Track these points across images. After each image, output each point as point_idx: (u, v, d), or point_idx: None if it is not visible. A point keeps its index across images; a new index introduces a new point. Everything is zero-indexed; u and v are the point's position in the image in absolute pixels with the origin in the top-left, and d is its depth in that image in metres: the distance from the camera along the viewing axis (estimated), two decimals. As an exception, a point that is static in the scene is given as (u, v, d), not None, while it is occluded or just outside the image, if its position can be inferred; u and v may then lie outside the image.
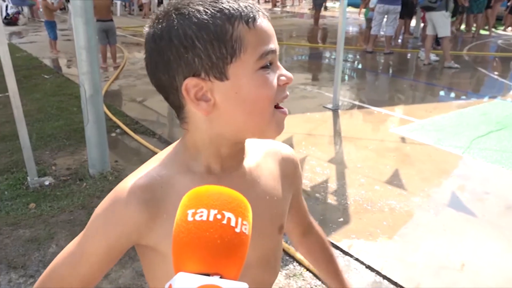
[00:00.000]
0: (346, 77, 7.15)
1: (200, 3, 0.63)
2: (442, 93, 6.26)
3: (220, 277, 0.48)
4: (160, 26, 0.64)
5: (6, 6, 12.73)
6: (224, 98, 0.65)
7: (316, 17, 13.37)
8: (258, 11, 0.66)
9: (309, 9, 20.34)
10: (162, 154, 0.75)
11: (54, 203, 3.03)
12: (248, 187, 0.72)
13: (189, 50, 0.62)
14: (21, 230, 2.72)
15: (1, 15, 12.21)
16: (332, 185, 3.36)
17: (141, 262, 0.77)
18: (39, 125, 4.50)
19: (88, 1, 3.11)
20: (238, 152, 0.75)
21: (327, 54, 9.47)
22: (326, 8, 17.36)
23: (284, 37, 11.32)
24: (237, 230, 0.49)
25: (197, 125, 0.69)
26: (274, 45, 0.66)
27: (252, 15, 0.64)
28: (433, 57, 7.92)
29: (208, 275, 0.47)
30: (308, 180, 3.42)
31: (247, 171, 0.76)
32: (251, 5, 0.66)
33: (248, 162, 0.76)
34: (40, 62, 7.85)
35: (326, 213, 3.00)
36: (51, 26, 8.35)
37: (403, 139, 4.34)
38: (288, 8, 21.18)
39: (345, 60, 8.31)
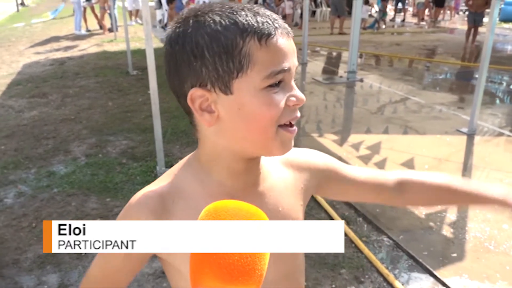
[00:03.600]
0: (493, 100, 6.40)
1: (219, 12, 0.63)
2: None
3: None
4: (177, 30, 0.65)
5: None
6: (227, 112, 0.64)
7: (468, 33, 12.23)
8: (277, 28, 0.63)
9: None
10: (175, 168, 0.75)
11: (173, 193, 3.34)
12: (261, 201, 0.71)
13: (198, 59, 0.62)
14: (143, 212, 3.06)
15: (163, 21, 13.87)
16: (451, 216, 3.05)
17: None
18: (175, 121, 5.00)
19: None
20: (253, 167, 0.72)
21: (474, 74, 8.60)
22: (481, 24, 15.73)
23: (425, 53, 10.63)
24: None
25: (206, 135, 0.69)
26: (288, 64, 0.63)
27: (267, 32, 0.62)
28: None
29: None
30: (424, 208, 3.16)
31: (260, 185, 0.73)
32: (270, 21, 0.63)
33: (264, 176, 0.74)
34: (187, 65, 8.71)
35: (438, 245, 2.74)
36: None
37: (550, 177, 3.72)
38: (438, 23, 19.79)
39: (496, 82, 7.46)
